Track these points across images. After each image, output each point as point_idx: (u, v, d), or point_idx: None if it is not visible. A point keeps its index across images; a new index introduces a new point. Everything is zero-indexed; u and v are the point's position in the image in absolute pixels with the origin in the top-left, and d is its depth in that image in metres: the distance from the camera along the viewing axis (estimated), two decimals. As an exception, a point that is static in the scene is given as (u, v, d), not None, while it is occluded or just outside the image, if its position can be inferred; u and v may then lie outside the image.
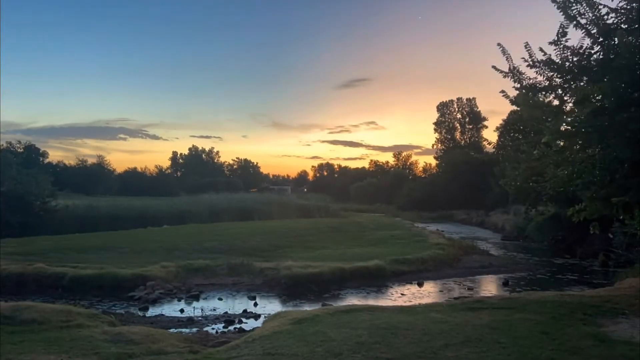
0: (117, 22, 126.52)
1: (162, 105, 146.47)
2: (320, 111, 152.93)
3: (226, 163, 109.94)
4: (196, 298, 12.57)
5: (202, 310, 11.28)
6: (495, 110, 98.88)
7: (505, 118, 46.41)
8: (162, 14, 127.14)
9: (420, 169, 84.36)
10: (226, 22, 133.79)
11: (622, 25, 7.44)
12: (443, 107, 74.31)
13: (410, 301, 11.94)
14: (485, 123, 71.66)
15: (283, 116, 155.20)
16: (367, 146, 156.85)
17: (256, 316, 10.64)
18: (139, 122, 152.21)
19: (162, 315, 10.87)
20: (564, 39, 7.82)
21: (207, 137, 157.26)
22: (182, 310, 11.30)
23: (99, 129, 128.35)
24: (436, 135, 74.50)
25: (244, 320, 10.30)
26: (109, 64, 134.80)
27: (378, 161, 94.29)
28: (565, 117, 7.90)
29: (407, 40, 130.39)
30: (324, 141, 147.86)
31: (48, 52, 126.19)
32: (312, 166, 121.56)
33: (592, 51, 7.76)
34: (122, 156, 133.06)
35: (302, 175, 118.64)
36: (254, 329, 8.40)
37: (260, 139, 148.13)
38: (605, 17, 7.55)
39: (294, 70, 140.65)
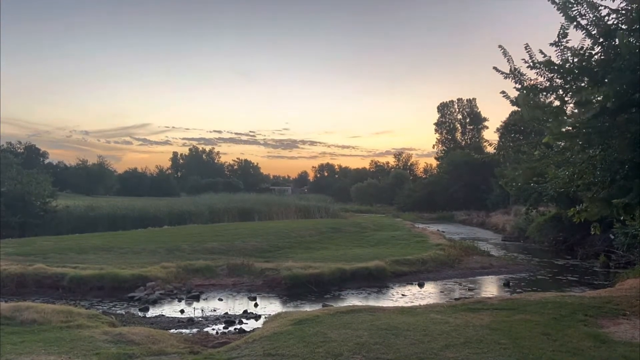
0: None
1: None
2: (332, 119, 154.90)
3: (226, 163, 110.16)
4: (196, 299, 12.56)
5: (202, 310, 11.28)
6: (496, 111, 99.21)
7: (506, 119, 46.58)
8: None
9: (421, 169, 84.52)
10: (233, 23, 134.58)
11: (623, 26, 7.43)
12: (443, 108, 74.43)
13: (411, 302, 11.92)
14: (486, 124, 71.84)
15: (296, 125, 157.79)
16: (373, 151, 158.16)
17: (256, 317, 10.62)
18: (152, 126, 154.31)
19: (163, 315, 10.87)
20: (564, 40, 7.81)
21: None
22: (182, 311, 11.29)
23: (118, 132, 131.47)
24: (437, 135, 74.71)
25: (244, 320, 10.30)
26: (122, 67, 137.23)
27: (379, 162, 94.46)
28: (566, 118, 7.88)
29: (408, 41, 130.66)
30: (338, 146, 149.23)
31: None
32: (313, 166, 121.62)
33: (593, 52, 7.75)
34: (136, 156, 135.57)
35: (303, 175, 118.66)
36: (254, 330, 8.39)
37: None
38: (606, 17, 7.54)
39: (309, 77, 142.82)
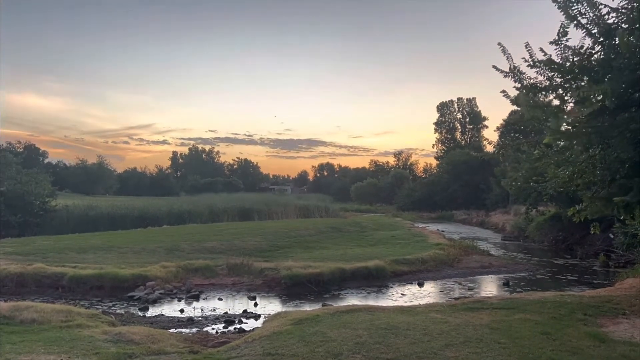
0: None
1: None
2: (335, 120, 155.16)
3: (226, 163, 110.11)
4: (196, 298, 12.56)
5: (202, 310, 11.27)
6: (496, 110, 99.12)
7: (506, 118, 46.58)
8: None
9: (421, 169, 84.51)
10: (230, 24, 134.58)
11: (623, 25, 7.43)
12: (443, 107, 74.46)
13: (411, 301, 11.92)
14: (486, 123, 71.87)
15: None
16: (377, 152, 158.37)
17: (256, 316, 10.62)
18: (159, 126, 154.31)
19: (162, 315, 10.86)
20: (564, 38, 7.81)
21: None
22: (182, 311, 11.28)
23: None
24: (436, 135, 74.77)
25: (244, 320, 10.29)
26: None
27: (378, 161, 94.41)
28: (566, 117, 7.88)
29: (408, 41, 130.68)
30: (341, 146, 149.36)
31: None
32: (312, 166, 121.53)
33: (593, 51, 7.74)
34: (138, 156, 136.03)
35: (303, 175, 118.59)
36: (254, 329, 8.39)
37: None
38: (606, 16, 7.53)
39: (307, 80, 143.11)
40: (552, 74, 7.89)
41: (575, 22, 7.58)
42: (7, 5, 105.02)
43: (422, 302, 11.41)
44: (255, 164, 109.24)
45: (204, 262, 15.16)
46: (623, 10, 7.43)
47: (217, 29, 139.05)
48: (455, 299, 11.14)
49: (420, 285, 14.51)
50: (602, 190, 8.36)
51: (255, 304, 11.99)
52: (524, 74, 8.16)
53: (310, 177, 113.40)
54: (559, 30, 7.75)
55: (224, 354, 6.32)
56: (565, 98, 8.03)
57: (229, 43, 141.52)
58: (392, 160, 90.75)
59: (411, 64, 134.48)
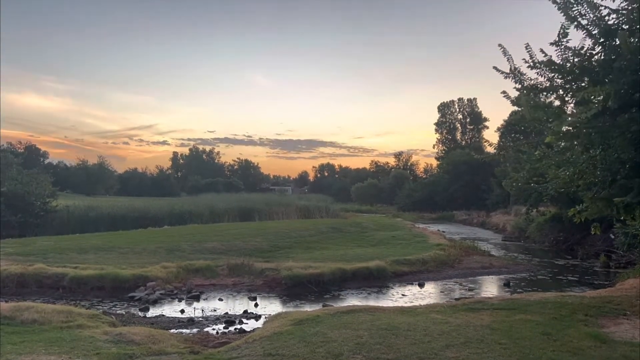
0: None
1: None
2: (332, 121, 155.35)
3: (227, 163, 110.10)
4: (197, 298, 12.56)
5: (202, 310, 11.28)
6: (497, 111, 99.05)
7: (507, 119, 46.57)
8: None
9: (421, 169, 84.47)
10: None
11: (624, 26, 7.43)
12: (444, 108, 74.48)
13: (411, 302, 11.92)
14: (486, 124, 71.89)
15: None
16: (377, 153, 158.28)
17: (257, 317, 10.62)
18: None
19: (163, 315, 10.87)
20: (565, 39, 7.82)
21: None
22: (182, 311, 11.29)
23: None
24: (437, 135, 74.81)
25: (244, 320, 10.30)
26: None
27: (379, 162, 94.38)
28: (566, 117, 7.89)
29: (409, 41, 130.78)
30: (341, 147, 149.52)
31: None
32: (313, 166, 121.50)
33: (594, 52, 7.75)
34: (139, 156, 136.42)
35: (303, 175, 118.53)
36: (254, 330, 8.40)
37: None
38: (606, 17, 7.54)
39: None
40: (553, 75, 7.90)
41: (575, 23, 7.59)
42: (7, 5, 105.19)
43: (423, 302, 11.41)
44: (255, 164, 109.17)
45: (205, 263, 15.16)
46: (623, 12, 7.44)
47: (218, 29, 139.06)
48: (456, 299, 11.15)
49: (421, 285, 14.51)
50: (603, 191, 8.36)
51: (256, 305, 12.00)
52: (525, 75, 8.18)
53: (311, 177, 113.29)
54: (560, 31, 7.76)
55: (224, 354, 6.33)
56: (566, 99, 8.04)
57: (229, 43, 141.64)
58: (392, 161, 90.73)
59: (411, 64, 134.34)
